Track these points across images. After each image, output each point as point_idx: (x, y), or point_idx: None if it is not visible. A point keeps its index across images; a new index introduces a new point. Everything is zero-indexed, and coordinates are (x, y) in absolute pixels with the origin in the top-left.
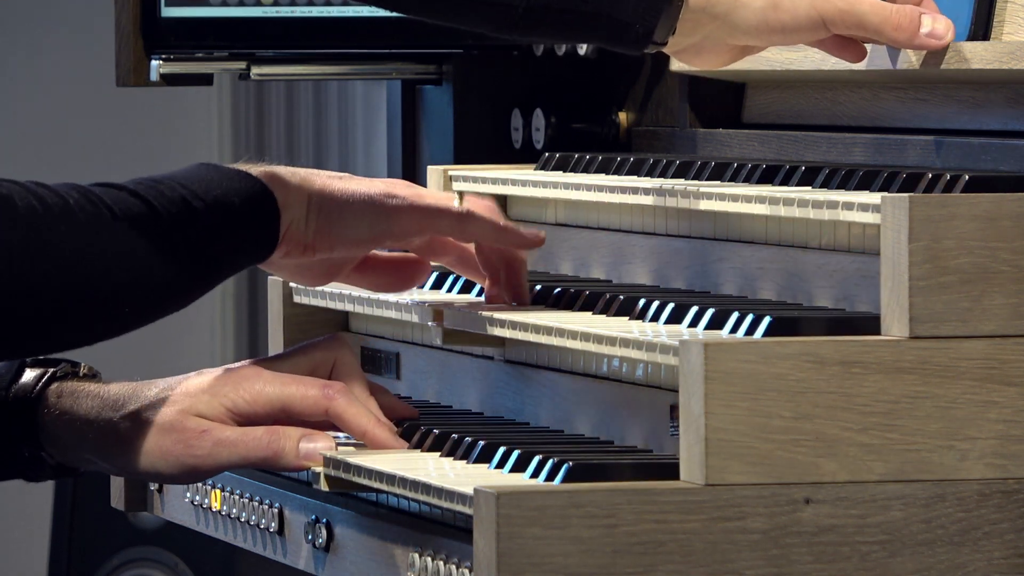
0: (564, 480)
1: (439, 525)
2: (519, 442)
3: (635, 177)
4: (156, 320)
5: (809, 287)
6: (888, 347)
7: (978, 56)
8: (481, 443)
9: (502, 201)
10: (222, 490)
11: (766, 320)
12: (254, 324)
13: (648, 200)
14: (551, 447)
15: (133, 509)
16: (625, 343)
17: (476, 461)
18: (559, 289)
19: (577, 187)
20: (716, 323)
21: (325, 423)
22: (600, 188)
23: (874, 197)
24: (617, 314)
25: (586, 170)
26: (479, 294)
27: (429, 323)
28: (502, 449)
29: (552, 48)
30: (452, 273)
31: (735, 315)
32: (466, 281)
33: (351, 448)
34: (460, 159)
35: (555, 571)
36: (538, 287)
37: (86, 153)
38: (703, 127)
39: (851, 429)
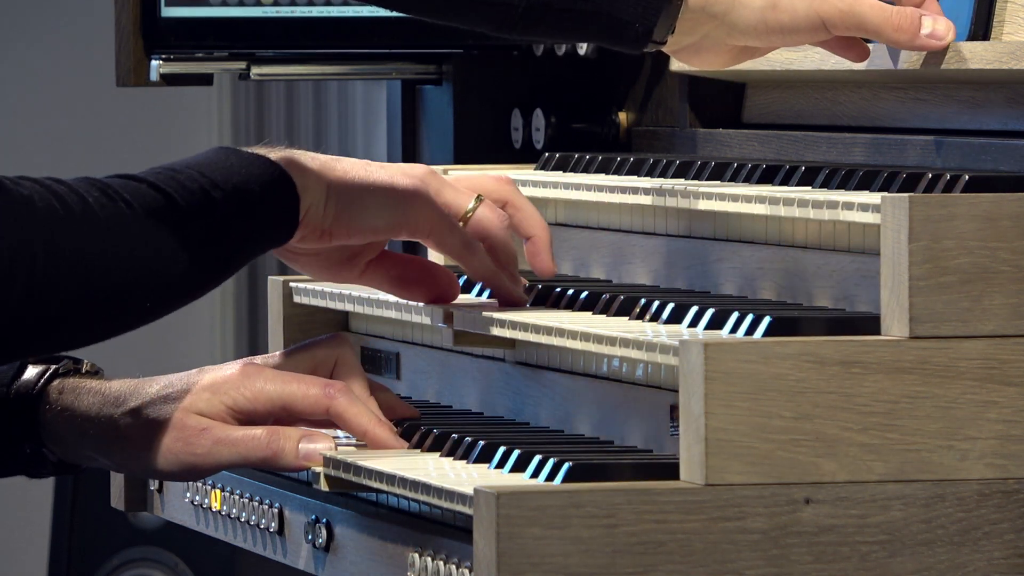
0: (564, 480)
1: (439, 525)
2: (519, 442)
3: (635, 177)
4: (173, 311)
5: (809, 287)
6: (888, 347)
7: (978, 56)
8: (481, 443)
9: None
10: (222, 490)
11: (766, 320)
12: (254, 324)
13: (648, 200)
14: (551, 447)
15: (133, 509)
16: (625, 343)
17: (476, 461)
18: (559, 289)
19: (577, 187)
20: (716, 323)
21: (326, 422)
22: (600, 188)
23: (874, 197)
24: (617, 314)
25: (586, 170)
26: (479, 293)
27: (440, 324)
28: (502, 449)
29: (552, 48)
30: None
31: (735, 315)
32: (466, 280)
33: (351, 448)
34: (460, 159)
35: (555, 571)
36: (539, 287)
37: (86, 153)
38: (703, 127)
39: (851, 429)
